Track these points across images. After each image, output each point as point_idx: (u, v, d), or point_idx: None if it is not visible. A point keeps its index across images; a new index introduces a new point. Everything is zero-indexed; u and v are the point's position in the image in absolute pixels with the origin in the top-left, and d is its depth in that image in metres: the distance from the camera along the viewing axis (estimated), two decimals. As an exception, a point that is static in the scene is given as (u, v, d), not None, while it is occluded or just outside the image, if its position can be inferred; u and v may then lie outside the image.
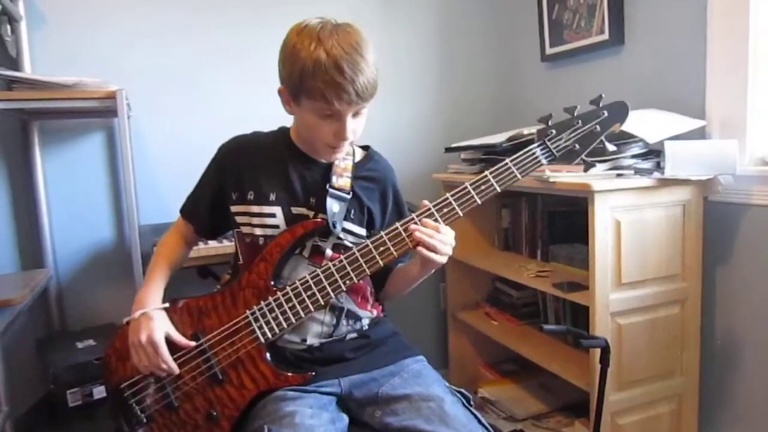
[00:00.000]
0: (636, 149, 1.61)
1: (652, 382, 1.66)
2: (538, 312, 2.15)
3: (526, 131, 1.85)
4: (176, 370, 1.13)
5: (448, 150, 2.20)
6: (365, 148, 1.34)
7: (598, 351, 1.42)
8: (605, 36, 2.01)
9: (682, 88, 1.78)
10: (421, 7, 2.45)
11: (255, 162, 1.24)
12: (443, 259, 1.12)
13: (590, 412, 1.58)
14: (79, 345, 1.78)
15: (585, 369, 1.64)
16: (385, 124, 2.34)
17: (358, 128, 1.16)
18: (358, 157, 1.29)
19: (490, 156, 2.01)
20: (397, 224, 1.12)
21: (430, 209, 1.13)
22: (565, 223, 2.00)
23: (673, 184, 1.58)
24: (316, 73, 1.04)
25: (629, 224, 1.56)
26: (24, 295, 1.56)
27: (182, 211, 1.35)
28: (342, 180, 1.22)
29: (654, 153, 1.64)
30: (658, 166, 1.61)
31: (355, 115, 1.13)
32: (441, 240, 1.10)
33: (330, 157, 1.22)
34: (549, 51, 2.30)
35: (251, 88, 2.17)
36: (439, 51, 2.51)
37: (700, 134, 1.69)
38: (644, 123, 1.59)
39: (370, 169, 1.29)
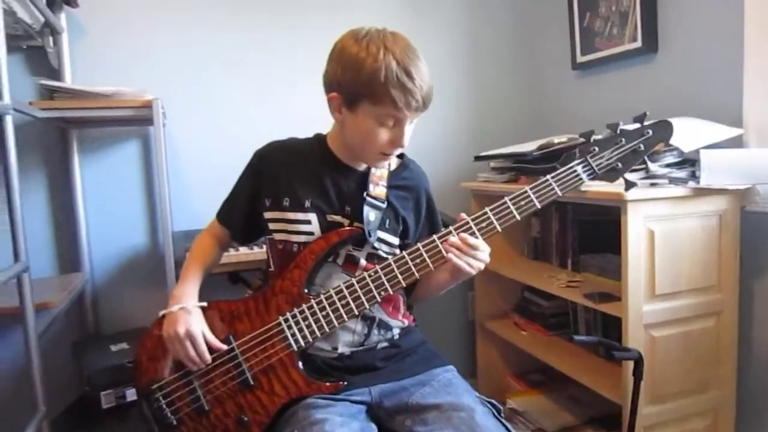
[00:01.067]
0: (670, 158, 1.59)
1: (687, 396, 1.62)
2: (567, 323, 2.12)
3: (556, 140, 1.84)
4: (209, 360, 1.14)
5: (478, 158, 2.20)
6: (400, 156, 1.33)
7: (630, 363, 1.40)
8: (638, 44, 1.98)
9: (718, 96, 1.74)
10: (449, 16, 2.45)
11: (290, 168, 1.24)
12: (473, 272, 1.13)
13: (622, 425, 1.55)
14: (113, 348, 1.81)
15: (616, 381, 1.61)
16: (414, 133, 2.33)
17: (407, 137, 1.17)
18: (393, 166, 1.29)
19: (520, 165, 2.00)
20: (435, 237, 1.12)
21: (467, 223, 1.12)
22: (597, 232, 1.97)
23: (708, 193, 1.55)
24: (388, 78, 1.06)
25: (663, 234, 1.53)
26: (62, 299, 1.61)
27: (218, 215, 1.37)
28: (378, 189, 1.22)
29: (689, 162, 1.61)
30: (694, 176, 1.58)
31: (413, 120, 1.15)
32: (474, 256, 1.11)
33: (380, 164, 1.23)
34: (580, 59, 2.28)
35: (285, 95, 2.20)
36: (467, 58, 2.51)
37: (737, 143, 1.65)
38: (679, 131, 1.54)
39: (405, 178, 1.29)
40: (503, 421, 1.11)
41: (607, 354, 1.82)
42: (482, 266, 1.13)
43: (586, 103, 2.32)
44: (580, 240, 2.01)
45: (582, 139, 1.70)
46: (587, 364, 1.84)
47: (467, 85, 2.51)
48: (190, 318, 1.14)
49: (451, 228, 1.13)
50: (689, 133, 1.59)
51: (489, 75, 2.54)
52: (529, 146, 1.94)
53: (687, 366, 1.60)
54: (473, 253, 1.10)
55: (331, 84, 1.14)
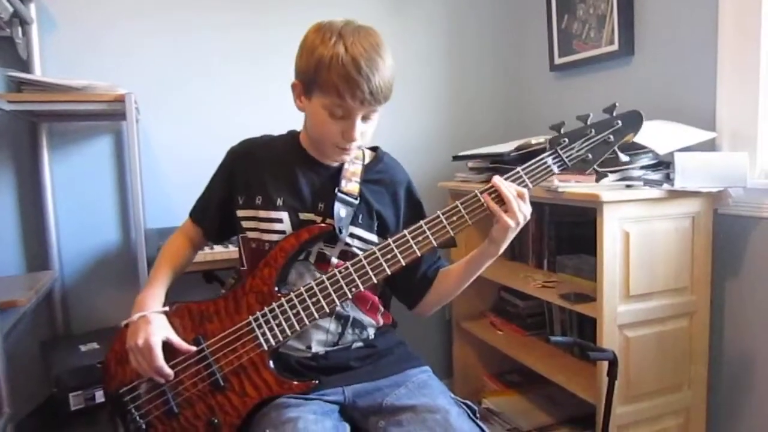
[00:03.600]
0: (646, 160, 1.61)
1: (660, 395, 1.64)
2: (544, 323, 2.14)
3: (534, 141, 1.84)
4: (170, 375, 1.11)
5: (456, 158, 2.19)
6: (374, 149, 1.32)
7: (605, 364, 1.41)
8: (615, 46, 2.00)
9: (692, 100, 1.77)
10: (430, 16, 2.45)
11: (263, 166, 1.23)
12: (512, 222, 1.10)
13: (596, 425, 1.56)
14: (83, 348, 1.77)
15: (591, 381, 1.63)
16: (392, 131, 2.33)
17: (368, 132, 1.16)
18: (367, 160, 1.28)
19: (497, 165, 2.00)
20: (406, 231, 1.11)
21: (438, 216, 1.12)
22: (573, 233, 1.98)
23: (683, 195, 1.57)
24: (332, 66, 1.05)
25: (638, 236, 1.54)
26: (29, 297, 1.56)
27: (192, 213, 1.35)
28: (351, 185, 1.21)
29: (664, 164, 1.63)
30: (668, 178, 1.60)
31: (365, 118, 1.13)
32: (518, 202, 1.10)
33: (338, 159, 1.21)
34: (558, 61, 2.29)
35: (261, 91, 2.18)
36: (448, 59, 2.51)
37: (710, 146, 1.67)
38: (654, 134, 1.58)
39: (379, 171, 1.27)
40: (478, 422, 1.11)
41: (581, 354, 1.85)
42: (521, 218, 1.11)
43: (564, 104, 2.33)
44: (557, 241, 2.03)
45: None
46: (563, 364, 1.86)
47: (445, 85, 2.51)
48: (149, 327, 1.11)
49: (421, 222, 1.11)
50: (664, 135, 1.61)
51: (467, 76, 2.55)
52: (507, 147, 1.94)
53: (660, 366, 1.62)
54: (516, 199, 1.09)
55: (295, 71, 1.15)
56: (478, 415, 1.13)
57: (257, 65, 2.18)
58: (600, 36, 2.07)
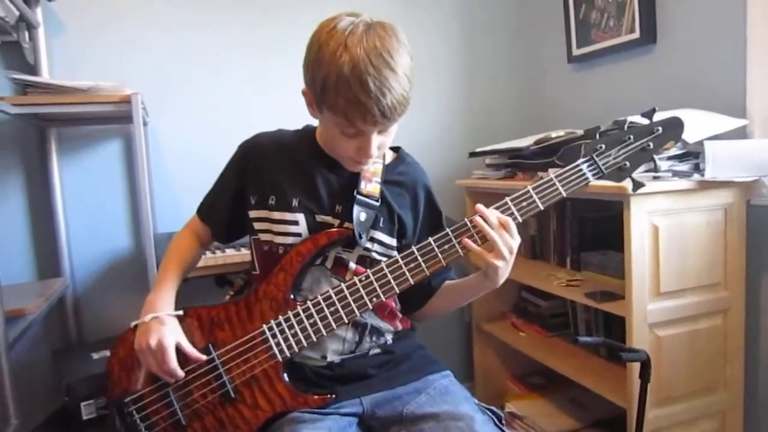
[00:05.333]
0: (674, 150, 1.53)
1: (694, 397, 1.56)
2: (567, 323, 2.06)
3: (554, 134, 1.78)
4: (182, 376, 1.05)
5: (473, 155, 2.13)
6: (396, 149, 1.25)
7: (636, 365, 1.33)
8: (636, 35, 1.93)
9: (720, 87, 1.69)
10: (444, 9, 2.40)
11: (277, 164, 1.16)
12: (500, 263, 1.03)
13: (627, 429, 1.49)
14: (95, 356, 1.73)
15: (620, 383, 1.55)
16: (405, 128, 2.23)
17: (386, 143, 1.08)
18: (388, 159, 1.20)
19: (516, 160, 1.94)
20: (431, 240, 1.04)
21: (465, 224, 1.04)
22: (597, 229, 1.90)
23: (714, 186, 1.49)
24: (338, 88, 0.95)
25: (667, 229, 1.47)
26: (38, 305, 1.53)
27: (199, 212, 1.28)
28: (371, 185, 1.13)
29: (693, 154, 1.55)
30: (698, 168, 1.53)
31: (382, 131, 1.04)
32: (502, 238, 1.01)
33: (354, 169, 1.13)
34: (576, 52, 2.22)
35: (272, 91, 2.14)
36: (462, 53, 2.44)
37: (741, 134, 1.60)
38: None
39: (401, 173, 1.20)
40: (504, 429, 1.05)
41: (610, 355, 1.77)
42: (506, 254, 1.03)
43: (583, 97, 2.26)
44: (580, 237, 1.95)
45: (581, 133, 1.65)
46: (589, 365, 1.78)
47: (461, 79, 2.45)
48: (163, 329, 1.05)
49: (448, 231, 1.05)
50: (692, 124, 1.53)
51: (483, 69, 2.48)
52: (525, 141, 1.88)
53: (693, 366, 1.54)
54: (501, 234, 1.01)
55: (304, 78, 1.05)
56: (504, 421, 1.07)
57: (270, 63, 2.14)
58: (620, 24, 1.99)
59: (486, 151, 2.07)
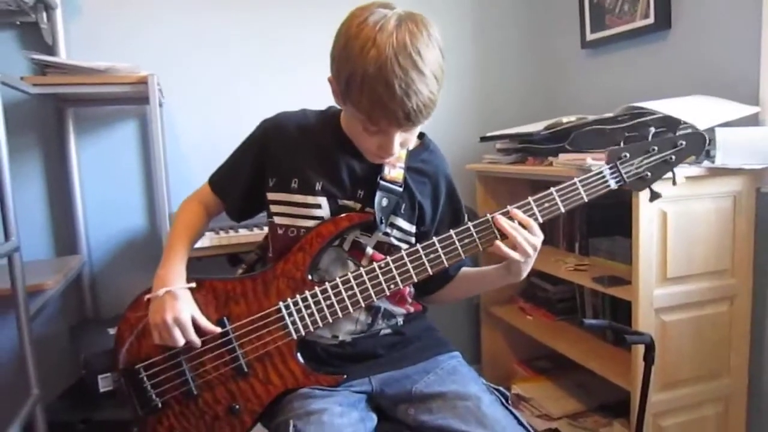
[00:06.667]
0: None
1: (698, 382, 1.58)
2: (574, 308, 2.08)
3: (565, 119, 1.78)
4: (199, 344, 1.06)
5: (484, 139, 2.14)
6: (420, 135, 1.22)
7: (641, 348, 1.35)
8: (650, 20, 1.91)
9: (734, 73, 1.68)
10: (457, -7, 2.39)
11: (299, 145, 1.14)
12: (520, 257, 1.05)
13: (631, 412, 1.51)
14: (111, 331, 1.77)
15: (625, 367, 1.57)
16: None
17: (409, 140, 1.07)
18: (412, 145, 1.16)
19: (527, 145, 1.95)
20: (452, 232, 1.06)
21: (487, 220, 1.05)
22: (605, 215, 1.91)
23: (724, 173, 1.49)
24: (363, 87, 0.92)
25: (676, 216, 1.48)
26: (57, 280, 1.57)
27: (213, 183, 1.25)
28: (395, 171, 1.13)
29: (703, 141, 1.55)
30: (708, 155, 1.52)
31: (406, 131, 1.02)
32: (524, 236, 1.03)
33: (376, 161, 1.12)
34: (590, 37, 2.21)
35: (291, 73, 2.14)
36: (474, 38, 2.44)
37: (753, 121, 1.59)
38: (693, 109, 1.50)
39: (424, 161, 1.19)
40: (511, 409, 1.06)
41: (615, 339, 1.79)
42: (531, 251, 1.05)
43: (596, 82, 2.25)
44: (588, 223, 1.96)
45: (592, 118, 1.66)
46: (595, 349, 1.80)
47: (473, 64, 2.45)
48: (177, 304, 1.06)
49: (469, 224, 1.06)
50: (704, 110, 1.53)
51: (495, 54, 2.48)
52: (536, 126, 1.88)
53: (698, 352, 1.56)
54: (523, 232, 1.03)
55: (330, 66, 1.03)
56: (510, 402, 1.09)
57: (288, 45, 2.14)
58: (634, 9, 1.98)
59: (497, 136, 2.08)
